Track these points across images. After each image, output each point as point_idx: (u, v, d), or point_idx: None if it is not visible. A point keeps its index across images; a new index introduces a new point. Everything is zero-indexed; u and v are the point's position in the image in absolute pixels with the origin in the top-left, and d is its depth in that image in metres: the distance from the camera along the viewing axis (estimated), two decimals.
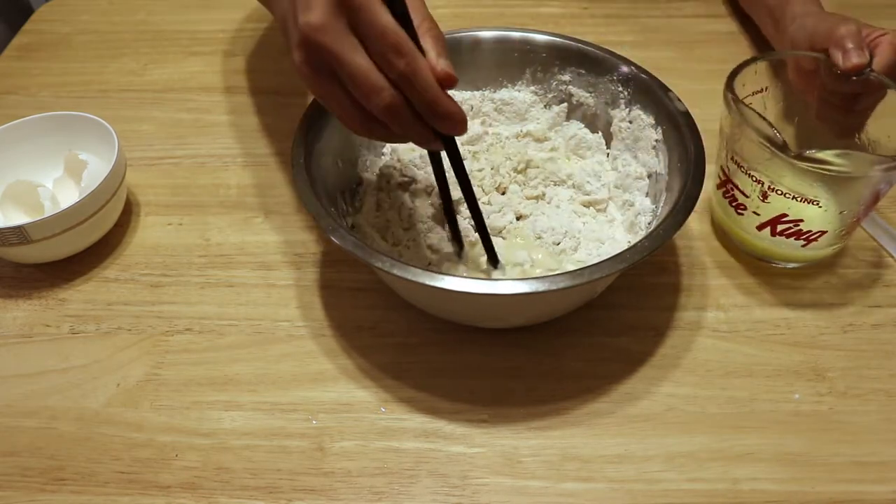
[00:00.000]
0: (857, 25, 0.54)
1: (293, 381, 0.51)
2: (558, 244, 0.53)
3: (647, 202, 0.56)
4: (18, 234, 0.54)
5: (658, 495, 0.45)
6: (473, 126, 0.61)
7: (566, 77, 0.61)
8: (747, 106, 0.50)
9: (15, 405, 0.51)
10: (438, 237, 0.54)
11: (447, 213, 0.53)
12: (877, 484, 0.46)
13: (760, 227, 0.54)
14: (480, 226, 0.51)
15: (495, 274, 0.52)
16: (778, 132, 0.48)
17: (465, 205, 0.50)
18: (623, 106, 0.59)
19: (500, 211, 0.56)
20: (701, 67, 0.75)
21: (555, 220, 0.55)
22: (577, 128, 0.62)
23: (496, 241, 0.53)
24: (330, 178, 0.54)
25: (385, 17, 0.39)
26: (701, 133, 0.52)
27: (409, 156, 0.59)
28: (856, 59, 0.52)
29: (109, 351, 0.54)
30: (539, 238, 0.54)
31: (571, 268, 0.47)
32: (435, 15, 0.44)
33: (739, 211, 0.55)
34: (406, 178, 0.58)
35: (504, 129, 0.63)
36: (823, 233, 0.52)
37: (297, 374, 0.52)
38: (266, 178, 0.66)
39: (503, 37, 0.61)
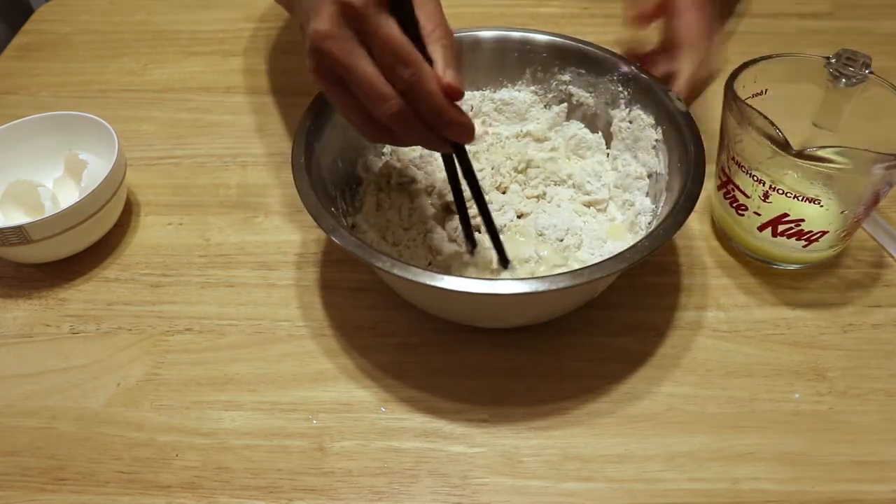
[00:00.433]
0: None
1: (293, 380, 0.51)
2: (561, 240, 0.53)
3: (648, 202, 0.56)
4: (19, 234, 0.54)
5: (658, 495, 0.45)
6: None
7: (566, 77, 0.61)
8: (748, 105, 0.50)
9: (15, 405, 0.51)
10: (439, 237, 0.54)
11: (460, 212, 0.52)
12: (877, 484, 0.46)
13: (762, 228, 0.54)
14: (490, 226, 0.51)
15: (504, 274, 0.52)
16: (779, 130, 0.48)
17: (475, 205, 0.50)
18: (623, 106, 0.59)
19: (500, 209, 0.56)
20: None
21: (556, 218, 0.55)
22: (577, 128, 0.62)
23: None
24: (330, 178, 0.54)
25: (390, 28, 0.39)
26: (701, 133, 0.52)
27: (410, 156, 0.59)
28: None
29: (109, 351, 0.54)
30: (541, 235, 0.54)
31: (577, 265, 0.47)
32: None
33: (740, 212, 0.55)
34: (406, 178, 0.58)
35: (504, 128, 0.63)
36: (824, 233, 0.52)
37: (298, 374, 0.52)
38: (266, 178, 0.66)
39: (503, 37, 0.61)
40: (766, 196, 0.52)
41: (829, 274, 0.57)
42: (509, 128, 0.63)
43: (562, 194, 0.58)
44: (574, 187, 0.59)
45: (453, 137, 0.43)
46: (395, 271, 0.44)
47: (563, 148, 0.62)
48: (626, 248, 0.46)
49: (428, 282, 0.44)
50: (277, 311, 0.56)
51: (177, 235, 0.61)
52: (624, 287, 0.55)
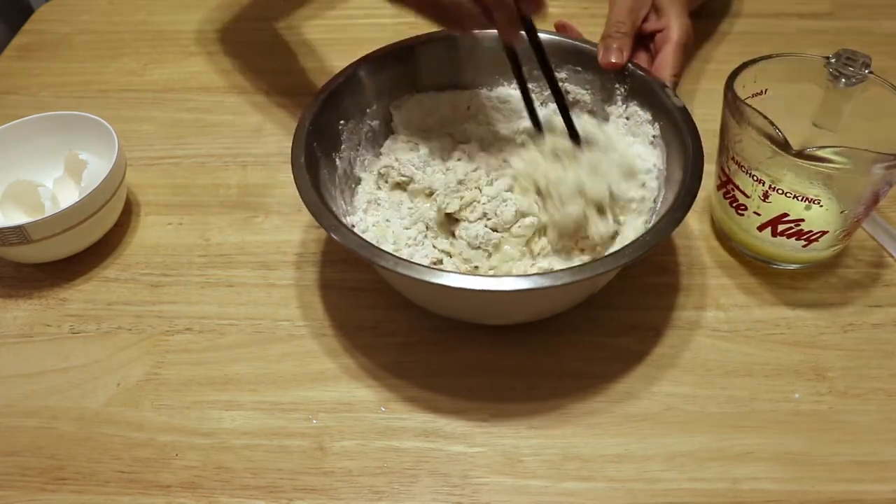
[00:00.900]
0: (632, 19, 0.59)
1: (293, 380, 0.52)
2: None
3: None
4: (19, 234, 0.54)
5: (658, 494, 0.45)
6: (471, 126, 0.61)
7: (562, 74, 0.61)
8: (748, 105, 0.50)
9: (15, 405, 0.51)
10: (437, 235, 0.54)
11: (525, 100, 0.57)
12: (877, 483, 0.46)
13: (761, 228, 0.54)
14: (561, 102, 0.55)
15: (575, 151, 0.54)
16: (779, 130, 0.48)
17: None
18: (620, 102, 0.59)
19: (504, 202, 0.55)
20: (700, 67, 0.75)
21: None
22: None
23: (503, 235, 0.53)
24: (330, 177, 0.54)
25: None
26: (701, 133, 0.52)
27: (407, 155, 0.59)
28: (614, 59, 0.57)
29: (109, 351, 0.54)
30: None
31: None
32: None
33: (740, 211, 0.55)
34: (405, 178, 0.58)
35: (502, 126, 0.63)
36: (824, 233, 0.52)
37: (298, 374, 0.52)
38: (266, 178, 0.66)
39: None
40: (765, 196, 0.52)
41: (829, 274, 0.57)
42: (507, 126, 0.63)
43: None
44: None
45: (532, 8, 0.50)
46: (399, 269, 0.44)
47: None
48: (627, 243, 0.46)
49: (431, 279, 0.44)
50: (277, 310, 0.56)
51: (177, 235, 0.61)
52: (624, 287, 0.55)
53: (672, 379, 0.51)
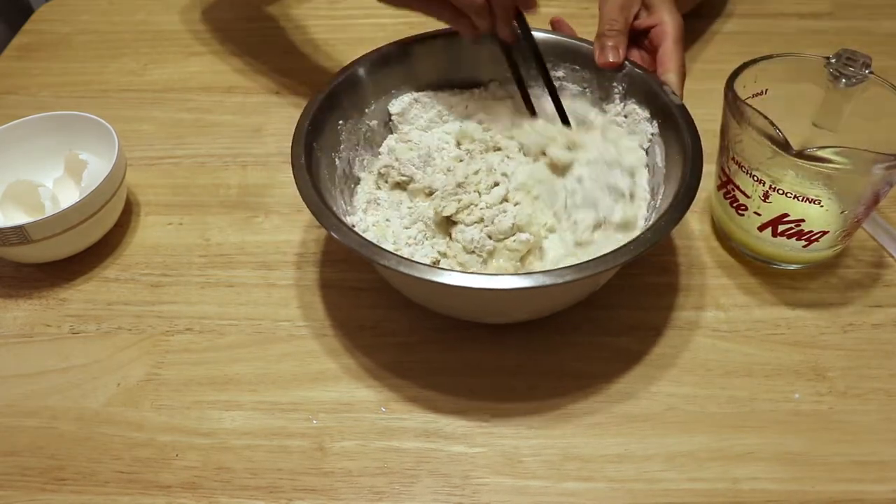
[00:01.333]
0: (624, 16, 0.60)
1: (293, 380, 0.52)
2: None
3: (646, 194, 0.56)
4: (19, 234, 0.54)
5: (658, 495, 0.45)
6: (469, 125, 0.61)
7: (560, 73, 0.61)
8: (748, 105, 0.50)
9: (15, 405, 0.51)
10: (435, 234, 0.54)
11: (519, 87, 0.60)
12: (877, 484, 0.46)
13: (762, 228, 0.54)
14: (552, 90, 0.58)
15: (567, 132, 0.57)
16: (779, 130, 0.48)
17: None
18: (618, 100, 0.59)
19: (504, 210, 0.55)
20: (700, 67, 0.75)
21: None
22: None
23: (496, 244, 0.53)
24: (330, 177, 0.54)
25: None
26: (700, 133, 0.52)
27: (407, 155, 0.59)
28: (611, 58, 0.58)
29: (109, 351, 0.54)
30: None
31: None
32: None
33: (740, 212, 0.55)
34: (404, 177, 0.58)
35: (501, 126, 0.63)
36: (825, 233, 0.52)
37: (298, 374, 0.52)
38: (266, 178, 0.66)
39: None
40: (766, 196, 0.52)
41: (829, 274, 0.57)
42: (506, 125, 0.63)
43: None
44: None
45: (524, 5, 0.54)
46: (401, 268, 0.44)
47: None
48: (628, 241, 0.46)
49: (432, 278, 0.44)
50: (277, 310, 0.56)
51: (177, 235, 0.61)
52: (624, 287, 0.55)
53: (672, 379, 0.51)
